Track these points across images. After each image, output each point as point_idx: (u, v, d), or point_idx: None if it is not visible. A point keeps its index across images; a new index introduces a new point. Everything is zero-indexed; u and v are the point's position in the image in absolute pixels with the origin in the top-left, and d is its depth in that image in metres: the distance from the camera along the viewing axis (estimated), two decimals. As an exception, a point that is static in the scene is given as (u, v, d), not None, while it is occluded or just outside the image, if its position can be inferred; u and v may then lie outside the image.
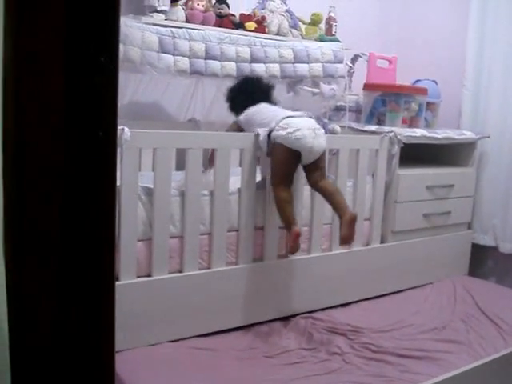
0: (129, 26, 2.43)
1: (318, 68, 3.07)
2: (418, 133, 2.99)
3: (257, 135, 2.40)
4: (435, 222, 3.14)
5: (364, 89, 3.24)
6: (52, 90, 0.72)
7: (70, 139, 0.74)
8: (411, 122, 3.15)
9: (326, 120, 2.86)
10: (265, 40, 2.93)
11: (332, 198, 2.36)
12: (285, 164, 2.35)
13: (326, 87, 3.06)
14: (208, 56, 2.70)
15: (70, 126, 0.74)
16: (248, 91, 2.63)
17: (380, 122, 3.12)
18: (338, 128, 2.86)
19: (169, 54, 2.59)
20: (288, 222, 2.33)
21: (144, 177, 2.25)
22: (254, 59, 2.86)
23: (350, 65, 3.29)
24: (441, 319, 2.71)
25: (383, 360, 2.28)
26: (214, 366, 2.13)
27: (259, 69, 2.88)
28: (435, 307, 2.87)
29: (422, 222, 3.08)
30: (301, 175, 2.48)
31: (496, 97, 3.35)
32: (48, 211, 0.78)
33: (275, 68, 2.93)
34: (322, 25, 3.34)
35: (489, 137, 3.32)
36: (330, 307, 2.74)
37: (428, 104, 3.28)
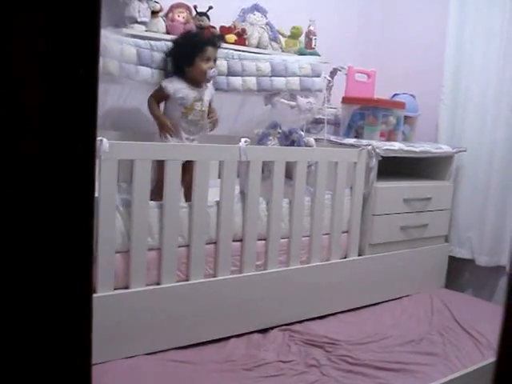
0: (108, 38, 2.43)
1: (295, 82, 3.09)
2: (396, 146, 3.01)
3: (238, 147, 2.41)
4: (412, 235, 3.17)
5: (342, 102, 3.26)
6: (28, 104, 0.72)
7: (48, 153, 0.73)
8: (389, 136, 3.18)
9: (301, 133, 2.87)
10: (243, 53, 2.95)
11: None
12: None
13: (302, 100, 3.07)
14: (186, 69, 2.69)
15: (47, 140, 0.73)
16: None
17: (358, 136, 3.14)
18: (312, 141, 2.86)
19: (147, 66, 2.59)
20: None
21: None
22: (230, 72, 2.87)
23: (329, 78, 3.31)
24: (418, 332, 2.73)
25: (360, 372, 2.29)
26: (192, 379, 2.12)
27: (236, 82, 2.89)
28: (412, 320, 2.88)
29: (400, 235, 3.10)
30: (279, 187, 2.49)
31: (473, 111, 3.38)
32: (25, 223, 0.77)
33: (252, 81, 2.95)
34: (302, 38, 3.37)
35: (465, 150, 3.35)
36: (308, 319, 2.74)
37: (406, 118, 3.31)
